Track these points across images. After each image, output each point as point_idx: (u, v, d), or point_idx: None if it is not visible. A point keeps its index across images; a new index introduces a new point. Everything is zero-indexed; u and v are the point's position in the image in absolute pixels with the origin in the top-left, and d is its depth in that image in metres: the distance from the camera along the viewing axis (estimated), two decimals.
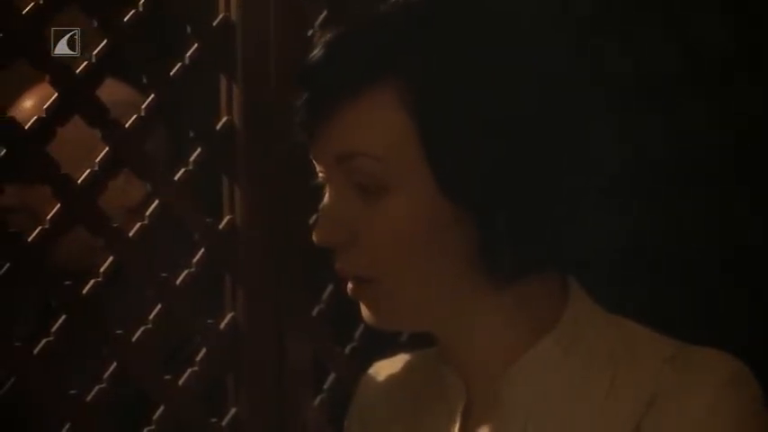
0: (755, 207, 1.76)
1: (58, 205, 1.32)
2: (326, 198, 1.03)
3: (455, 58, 0.98)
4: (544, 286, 1.05)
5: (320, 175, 1.04)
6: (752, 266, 1.80)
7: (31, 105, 1.62)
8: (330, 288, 1.57)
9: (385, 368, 1.21)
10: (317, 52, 1.00)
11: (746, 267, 1.82)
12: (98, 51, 1.34)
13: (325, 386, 1.60)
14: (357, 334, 1.62)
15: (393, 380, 1.19)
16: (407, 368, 1.18)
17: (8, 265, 1.28)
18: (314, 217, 1.39)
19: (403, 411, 1.15)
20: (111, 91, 1.54)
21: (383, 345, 1.25)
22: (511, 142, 0.98)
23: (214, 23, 1.47)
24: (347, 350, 1.62)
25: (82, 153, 1.41)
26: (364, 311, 1.05)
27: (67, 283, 1.33)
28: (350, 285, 1.04)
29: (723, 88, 1.80)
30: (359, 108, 0.99)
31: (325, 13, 1.57)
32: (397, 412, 1.15)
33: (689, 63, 1.88)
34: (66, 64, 1.31)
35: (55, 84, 1.31)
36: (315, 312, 1.57)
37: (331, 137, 1.01)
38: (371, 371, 1.22)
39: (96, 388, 1.36)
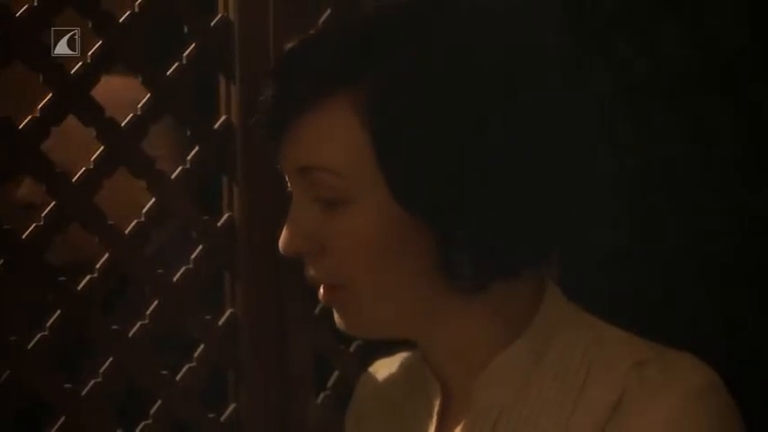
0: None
1: (53, 203, 1.35)
2: (292, 207, 1.04)
3: (408, 71, 0.98)
4: (517, 289, 1.05)
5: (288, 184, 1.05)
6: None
7: None
8: None
9: (383, 366, 1.22)
10: (275, 66, 1.01)
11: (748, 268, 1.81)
12: (93, 51, 1.37)
13: (329, 384, 1.61)
14: None
15: (388, 378, 1.19)
16: (402, 366, 1.19)
17: (2, 261, 1.31)
18: None
19: (392, 409, 1.16)
20: (119, 88, 1.56)
21: (388, 343, 1.25)
22: (465, 155, 0.97)
23: (212, 23, 1.48)
24: (352, 348, 1.63)
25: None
26: (336, 318, 1.06)
27: (62, 279, 1.36)
28: (321, 292, 1.05)
29: (735, 88, 1.79)
30: (316, 121, 1.00)
31: (329, 11, 1.57)
32: (387, 410, 1.16)
33: (700, 63, 1.86)
34: (59, 63, 1.34)
35: (49, 83, 1.33)
36: (317, 310, 1.58)
37: (291, 150, 1.02)
38: (371, 369, 1.23)
39: (92, 382, 1.38)
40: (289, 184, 1.05)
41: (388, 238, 1.00)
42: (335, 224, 1.01)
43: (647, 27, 1.92)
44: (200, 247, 1.48)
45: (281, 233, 1.04)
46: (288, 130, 1.01)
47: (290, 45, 1.02)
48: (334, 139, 1.00)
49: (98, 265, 1.39)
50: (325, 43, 1.01)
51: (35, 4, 1.32)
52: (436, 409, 1.08)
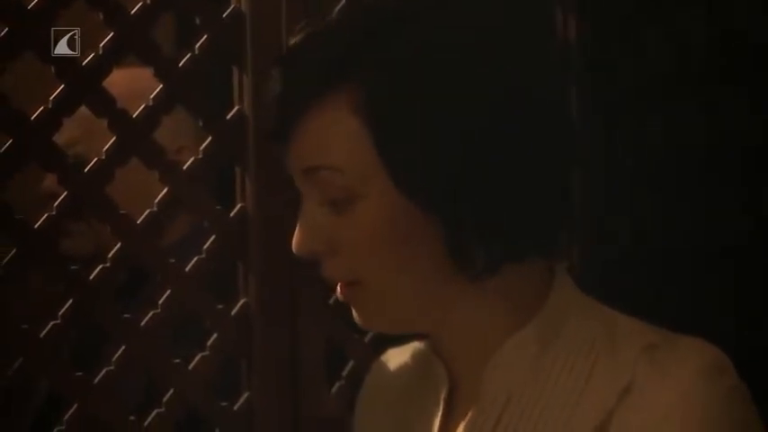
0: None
1: (65, 193, 1.36)
2: (301, 209, 1.05)
3: (406, 65, 0.98)
4: (526, 276, 1.05)
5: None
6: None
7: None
8: None
9: (394, 355, 1.22)
10: (276, 66, 1.02)
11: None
12: (104, 43, 1.38)
13: (344, 374, 1.62)
14: None
15: (398, 366, 1.20)
16: (413, 355, 1.19)
17: (15, 250, 1.33)
18: None
19: (401, 396, 1.16)
20: (134, 79, 1.57)
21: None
22: (462, 143, 0.98)
23: (224, 14, 1.49)
24: (366, 338, 1.63)
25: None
26: (355, 315, 1.07)
27: (74, 267, 1.37)
28: (339, 290, 1.06)
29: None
30: (316, 122, 1.01)
31: (342, 2, 1.58)
32: (396, 397, 1.17)
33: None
34: (71, 57, 1.35)
35: (61, 75, 1.34)
36: (331, 300, 1.58)
37: (295, 150, 1.03)
38: (382, 358, 1.24)
39: (104, 370, 1.40)
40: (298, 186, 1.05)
41: (397, 231, 1.01)
42: (345, 222, 1.02)
43: (647, 27, 1.91)
44: (213, 237, 1.49)
45: (293, 224, 1.05)
46: (291, 133, 1.02)
47: (287, 45, 1.03)
48: (334, 138, 1.00)
49: (110, 255, 1.41)
50: (317, 42, 1.02)
51: None
52: (443, 395, 1.09)
